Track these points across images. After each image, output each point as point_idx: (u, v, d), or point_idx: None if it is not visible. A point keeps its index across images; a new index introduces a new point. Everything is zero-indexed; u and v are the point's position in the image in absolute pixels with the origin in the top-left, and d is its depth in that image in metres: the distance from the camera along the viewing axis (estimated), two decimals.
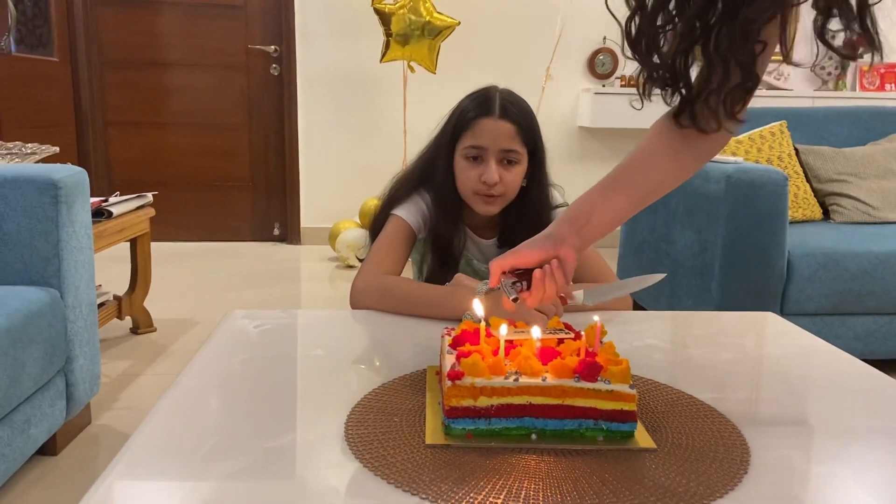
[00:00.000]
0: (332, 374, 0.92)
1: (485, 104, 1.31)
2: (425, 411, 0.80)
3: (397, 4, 3.36)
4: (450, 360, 0.79)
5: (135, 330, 2.51)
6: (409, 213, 1.35)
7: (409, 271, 1.44)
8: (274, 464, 0.68)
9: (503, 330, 0.80)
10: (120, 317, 2.39)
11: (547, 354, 0.79)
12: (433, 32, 3.32)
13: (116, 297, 2.41)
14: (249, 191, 4.23)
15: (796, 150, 2.64)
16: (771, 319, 1.19)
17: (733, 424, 0.78)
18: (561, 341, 0.83)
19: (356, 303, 1.21)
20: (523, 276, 0.93)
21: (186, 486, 0.65)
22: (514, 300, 0.92)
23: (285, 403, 0.82)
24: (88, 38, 3.91)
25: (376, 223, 1.39)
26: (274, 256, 3.98)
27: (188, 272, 3.59)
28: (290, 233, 4.22)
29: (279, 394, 0.85)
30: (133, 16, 3.96)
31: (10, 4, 3.09)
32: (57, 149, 1.97)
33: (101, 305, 2.30)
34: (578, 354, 0.78)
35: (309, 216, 4.18)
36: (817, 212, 2.55)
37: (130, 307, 2.44)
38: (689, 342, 1.10)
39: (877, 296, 2.10)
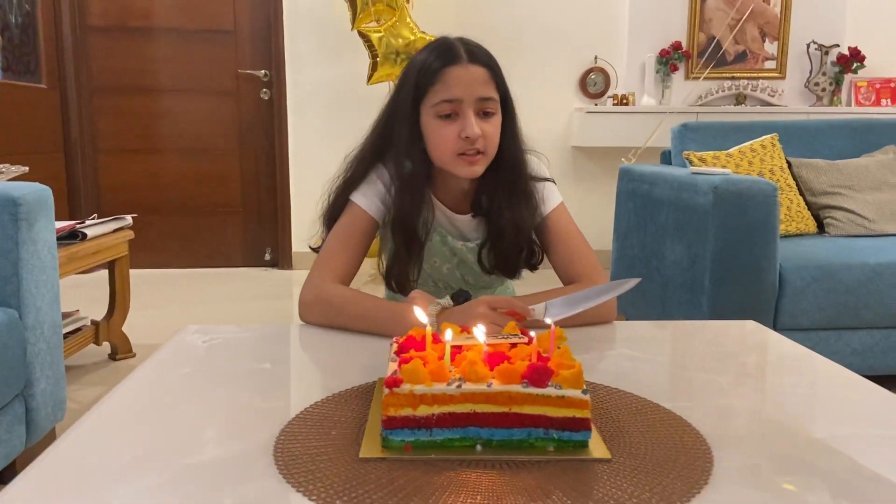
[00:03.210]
0: (276, 387, 0.87)
1: (449, 51, 1.15)
2: (367, 424, 0.74)
3: (384, 25, 3.35)
4: (393, 367, 0.73)
5: (113, 356, 2.45)
6: (367, 197, 1.21)
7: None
8: (189, 480, 0.62)
9: (448, 335, 0.74)
10: (97, 342, 2.34)
11: (495, 359, 0.73)
12: (416, 51, 3.30)
13: (94, 322, 2.35)
14: (240, 216, 4.19)
15: (789, 163, 2.59)
16: (751, 327, 1.13)
17: (697, 432, 0.71)
18: (514, 346, 0.77)
19: (303, 316, 1.13)
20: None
21: None
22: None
23: (219, 417, 0.76)
24: (78, 65, 3.90)
25: (333, 210, 1.24)
26: (265, 281, 3.93)
27: (176, 298, 3.53)
28: (281, 258, 4.17)
29: (215, 408, 0.79)
30: (123, 42, 3.96)
31: None
32: (26, 168, 1.93)
33: (77, 331, 2.25)
34: (531, 359, 0.72)
35: (300, 241, 4.14)
36: (812, 225, 2.49)
37: (108, 332, 2.39)
38: (664, 351, 1.04)
39: (873, 309, 2.03)
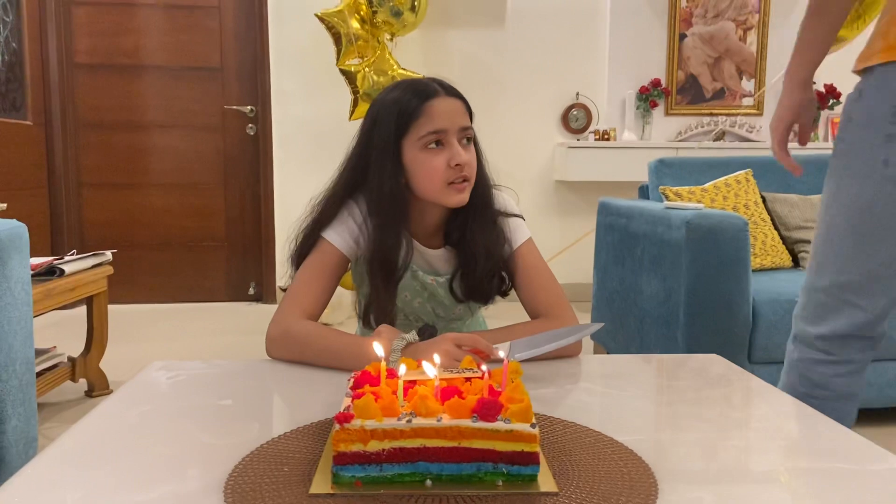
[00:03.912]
0: (235, 423, 0.87)
1: (426, 88, 1.20)
2: (320, 460, 0.75)
3: (363, 63, 3.40)
4: (346, 403, 0.74)
5: (90, 393, 2.43)
6: (339, 234, 1.23)
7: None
8: None
9: (402, 370, 0.75)
10: (74, 379, 2.32)
11: (448, 394, 0.74)
12: None
13: (71, 359, 2.34)
14: (225, 250, 4.19)
15: (763, 198, 2.63)
16: (715, 361, 1.14)
17: (647, 466, 0.72)
18: (468, 380, 0.78)
19: (270, 352, 1.14)
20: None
21: None
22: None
23: (172, 455, 0.77)
24: (64, 102, 3.93)
25: (303, 249, 1.25)
26: (248, 316, 3.92)
27: (158, 333, 3.52)
28: (265, 292, 4.17)
29: (170, 445, 0.79)
30: (110, 80, 4.00)
31: None
32: (4, 205, 1.94)
33: (53, 367, 2.24)
34: (482, 393, 0.73)
35: (284, 275, 4.15)
36: (786, 259, 2.52)
37: (85, 369, 2.37)
38: (625, 385, 1.05)
39: None
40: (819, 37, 1.39)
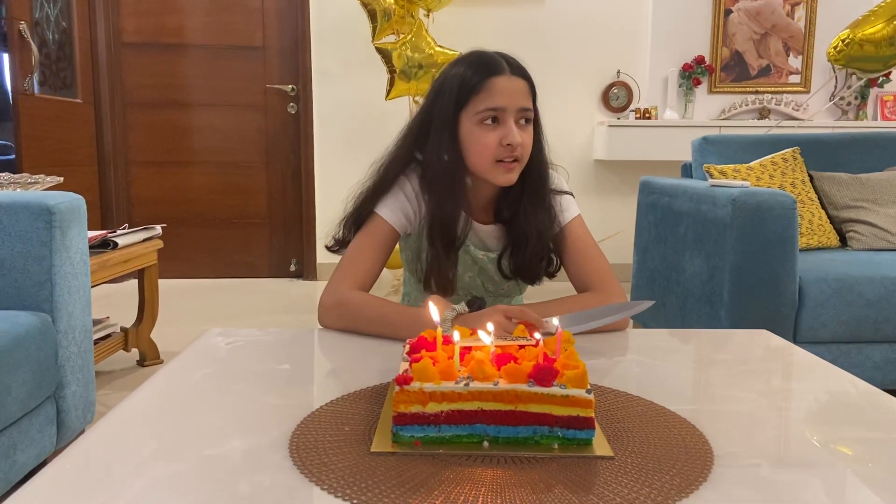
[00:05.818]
0: (294, 386, 0.90)
1: (490, 64, 1.21)
2: (379, 420, 0.77)
3: (398, 41, 3.40)
4: (404, 367, 0.76)
5: (141, 362, 2.51)
6: (391, 210, 1.25)
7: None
8: (207, 469, 0.66)
9: (457, 336, 0.77)
10: (126, 349, 2.40)
11: (503, 360, 0.76)
12: (435, 66, 3.34)
13: (123, 329, 2.41)
14: (266, 227, 4.26)
15: (811, 176, 2.58)
16: (764, 336, 1.14)
17: (700, 433, 0.73)
18: (522, 348, 0.80)
19: (322, 321, 1.17)
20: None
21: (111, 492, 0.62)
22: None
23: (237, 413, 0.80)
24: (112, 80, 4.02)
25: (357, 215, 1.27)
26: (290, 292, 3.99)
27: (203, 308, 3.61)
28: (306, 269, 4.23)
29: (233, 404, 0.83)
30: (156, 59, 4.07)
31: (34, 46, 3.20)
32: (61, 179, 2.00)
33: (107, 337, 2.31)
34: (537, 360, 0.75)
35: (325, 252, 4.19)
36: (833, 239, 2.47)
37: (137, 339, 2.45)
38: (674, 357, 1.06)
39: (894, 323, 2.02)
40: None
